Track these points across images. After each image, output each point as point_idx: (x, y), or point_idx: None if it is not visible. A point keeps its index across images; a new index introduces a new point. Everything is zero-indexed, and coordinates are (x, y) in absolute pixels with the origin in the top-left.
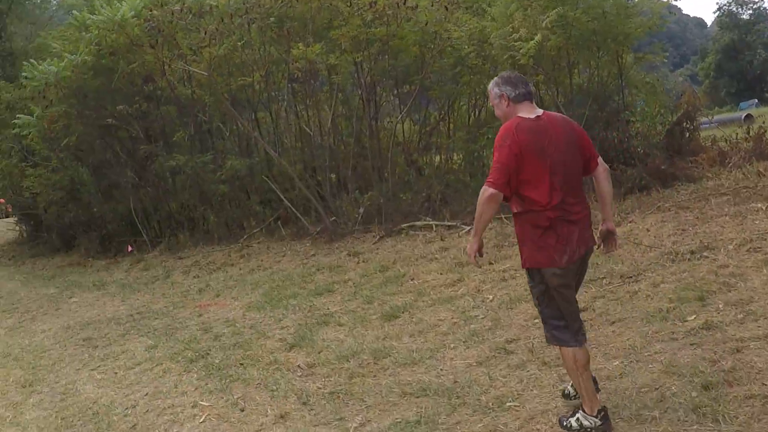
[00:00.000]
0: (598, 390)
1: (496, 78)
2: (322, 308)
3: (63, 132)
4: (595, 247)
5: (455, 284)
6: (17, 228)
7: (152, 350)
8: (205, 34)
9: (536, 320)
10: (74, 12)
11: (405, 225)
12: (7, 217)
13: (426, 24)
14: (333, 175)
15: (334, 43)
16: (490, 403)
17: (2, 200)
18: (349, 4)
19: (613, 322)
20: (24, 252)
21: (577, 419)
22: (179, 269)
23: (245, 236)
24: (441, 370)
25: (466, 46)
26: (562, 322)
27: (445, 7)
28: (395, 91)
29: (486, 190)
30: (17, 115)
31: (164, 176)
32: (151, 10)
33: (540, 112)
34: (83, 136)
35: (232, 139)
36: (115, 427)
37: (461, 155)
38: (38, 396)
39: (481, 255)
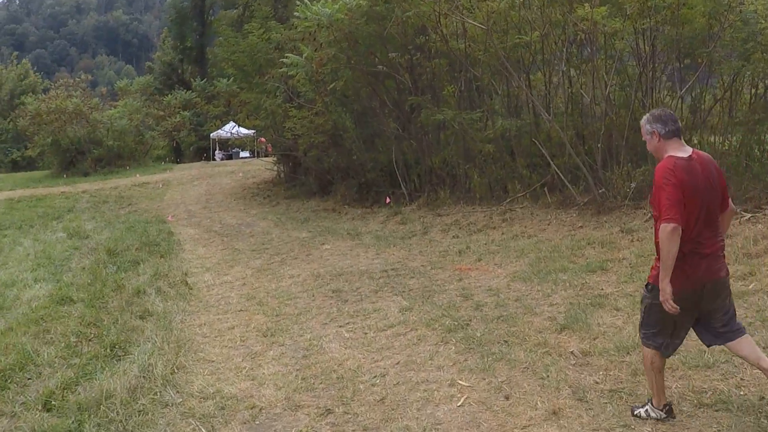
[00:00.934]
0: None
1: (647, 115)
2: (595, 287)
3: (330, 76)
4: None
5: (745, 278)
6: (275, 168)
7: (406, 312)
8: None
9: None
10: None
11: None
12: (266, 156)
13: None
14: (601, 145)
15: (618, 8)
16: None
17: (263, 139)
18: None
19: None
20: (280, 193)
21: (647, 410)
22: (438, 227)
23: (508, 199)
24: (741, 379)
25: (762, 21)
26: (656, 330)
27: None
28: (677, 64)
29: (667, 226)
30: (286, 54)
31: (428, 130)
32: None
33: (690, 150)
34: (351, 82)
35: (501, 99)
36: (361, 397)
37: (740, 136)
38: (279, 348)
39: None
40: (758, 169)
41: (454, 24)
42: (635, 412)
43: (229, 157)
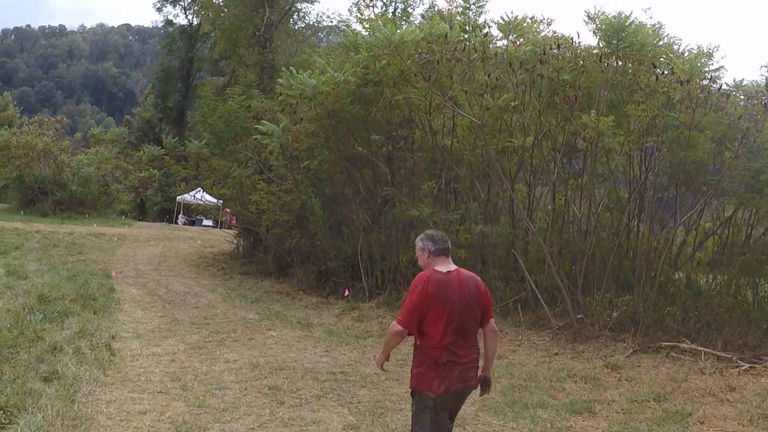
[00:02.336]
0: None
1: (422, 234)
2: None
3: (305, 153)
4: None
5: None
6: (235, 241)
7: None
8: (489, 77)
9: None
10: (346, 29)
11: (666, 344)
12: (229, 228)
13: (739, 118)
14: (584, 267)
15: (618, 123)
16: None
17: (228, 210)
18: (656, 78)
19: None
20: (235, 267)
21: None
22: None
23: None
24: None
25: None
26: None
27: (765, 104)
28: (674, 191)
29: (395, 326)
30: (262, 121)
31: (399, 226)
32: (430, 44)
33: (453, 267)
34: (326, 163)
35: (481, 203)
36: None
37: (730, 276)
38: None
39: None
40: (757, 314)
41: (443, 118)
42: None
43: (192, 223)
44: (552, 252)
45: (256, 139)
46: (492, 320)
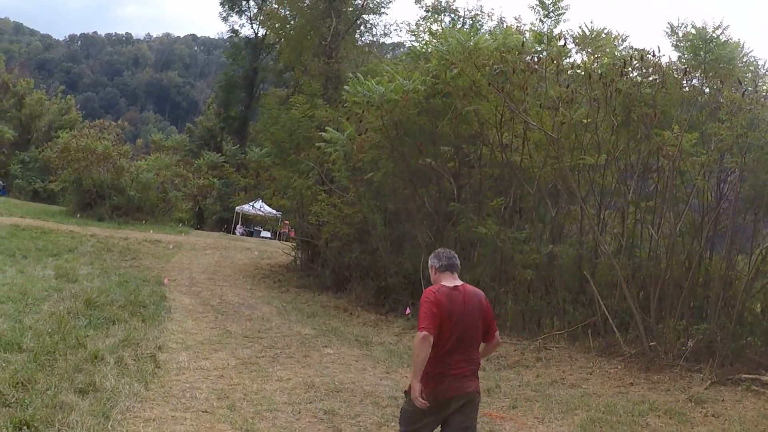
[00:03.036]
0: None
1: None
2: None
3: (369, 165)
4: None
5: None
6: (292, 254)
7: None
8: (567, 87)
9: None
10: (416, 37)
11: (746, 376)
12: (287, 240)
13: None
14: (658, 293)
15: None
16: None
17: (287, 222)
18: (742, 94)
19: None
20: (292, 280)
21: None
22: None
23: (543, 336)
24: None
25: None
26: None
27: None
28: (754, 215)
29: (419, 334)
30: (326, 128)
31: (463, 244)
32: (504, 53)
33: (459, 283)
34: (390, 177)
35: (547, 223)
36: None
37: None
38: None
39: (424, 398)
40: None
41: (512, 134)
42: None
43: (250, 234)
44: (625, 275)
45: (319, 147)
46: (497, 333)
